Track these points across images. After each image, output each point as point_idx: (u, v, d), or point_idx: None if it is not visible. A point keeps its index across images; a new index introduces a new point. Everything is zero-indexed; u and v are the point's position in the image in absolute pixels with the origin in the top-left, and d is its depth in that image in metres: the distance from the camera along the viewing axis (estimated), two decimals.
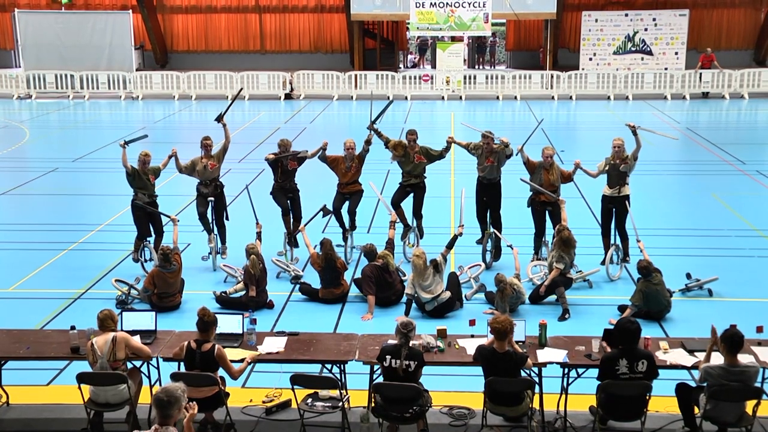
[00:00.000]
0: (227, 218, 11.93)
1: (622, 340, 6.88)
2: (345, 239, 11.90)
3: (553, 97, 29.33)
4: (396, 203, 11.98)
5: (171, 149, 11.68)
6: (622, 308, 9.76)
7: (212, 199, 11.70)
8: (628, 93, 29.13)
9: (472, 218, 11.53)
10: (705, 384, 6.76)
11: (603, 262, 11.20)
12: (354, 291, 10.62)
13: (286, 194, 11.98)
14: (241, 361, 7.25)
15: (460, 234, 10.34)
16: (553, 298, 10.08)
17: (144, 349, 7.25)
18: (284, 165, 11.84)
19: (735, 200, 15.14)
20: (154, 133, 22.52)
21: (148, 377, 7.48)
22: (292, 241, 11.90)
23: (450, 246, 10.22)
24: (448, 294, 9.92)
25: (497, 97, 29.56)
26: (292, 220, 11.96)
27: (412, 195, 12.03)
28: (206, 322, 7.09)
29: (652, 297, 9.60)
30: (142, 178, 11.29)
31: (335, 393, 7.27)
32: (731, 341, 6.65)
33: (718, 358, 6.82)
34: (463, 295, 10.39)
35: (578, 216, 13.10)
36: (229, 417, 7.14)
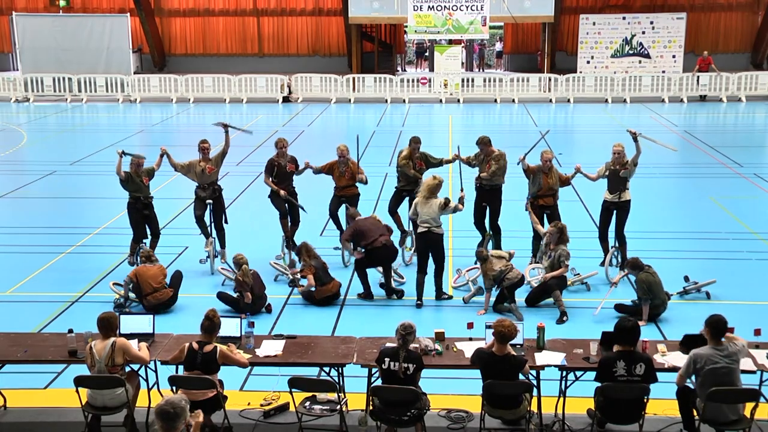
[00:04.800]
0: (226, 222, 11.92)
1: (619, 339, 6.89)
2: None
3: (550, 100, 29.34)
4: (392, 209, 11.99)
5: (160, 148, 11.66)
6: (619, 308, 9.78)
7: (210, 202, 11.69)
8: (625, 96, 29.16)
9: (469, 222, 11.52)
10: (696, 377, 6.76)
11: (602, 264, 11.21)
12: (352, 294, 10.60)
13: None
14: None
15: (462, 198, 10.46)
16: (550, 300, 10.09)
17: (143, 359, 7.23)
18: (282, 167, 11.82)
19: (732, 203, 15.16)
20: (152, 137, 22.62)
21: (146, 380, 7.47)
22: (290, 245, 11.88)
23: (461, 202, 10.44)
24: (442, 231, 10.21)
25: (495, 101, 29.59)
26: (290, 224, 11.94)
27: (407, 199, 12.02)
28: (215, 323, 7.12)
29: (655, 286, 9.63)
30: (135, 180, 11.26)
31: (333, 396, 7.27)
32: (715, 326, 6.73)
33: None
34: (461, 298, 10.39)
35: (577, 219, 13.10)
36: (227, 420, 7.13)
